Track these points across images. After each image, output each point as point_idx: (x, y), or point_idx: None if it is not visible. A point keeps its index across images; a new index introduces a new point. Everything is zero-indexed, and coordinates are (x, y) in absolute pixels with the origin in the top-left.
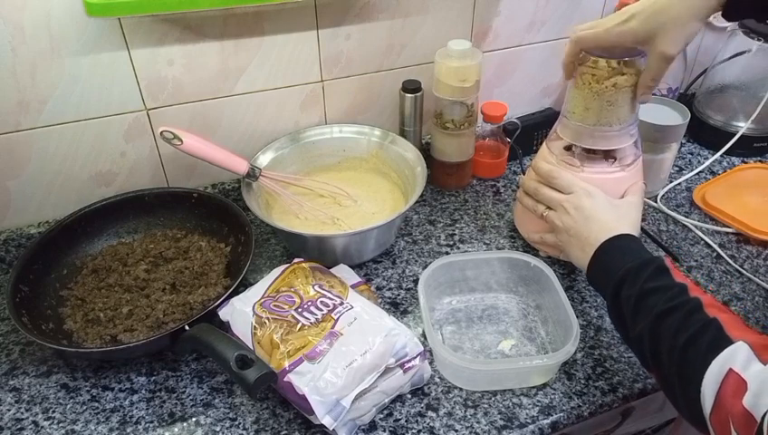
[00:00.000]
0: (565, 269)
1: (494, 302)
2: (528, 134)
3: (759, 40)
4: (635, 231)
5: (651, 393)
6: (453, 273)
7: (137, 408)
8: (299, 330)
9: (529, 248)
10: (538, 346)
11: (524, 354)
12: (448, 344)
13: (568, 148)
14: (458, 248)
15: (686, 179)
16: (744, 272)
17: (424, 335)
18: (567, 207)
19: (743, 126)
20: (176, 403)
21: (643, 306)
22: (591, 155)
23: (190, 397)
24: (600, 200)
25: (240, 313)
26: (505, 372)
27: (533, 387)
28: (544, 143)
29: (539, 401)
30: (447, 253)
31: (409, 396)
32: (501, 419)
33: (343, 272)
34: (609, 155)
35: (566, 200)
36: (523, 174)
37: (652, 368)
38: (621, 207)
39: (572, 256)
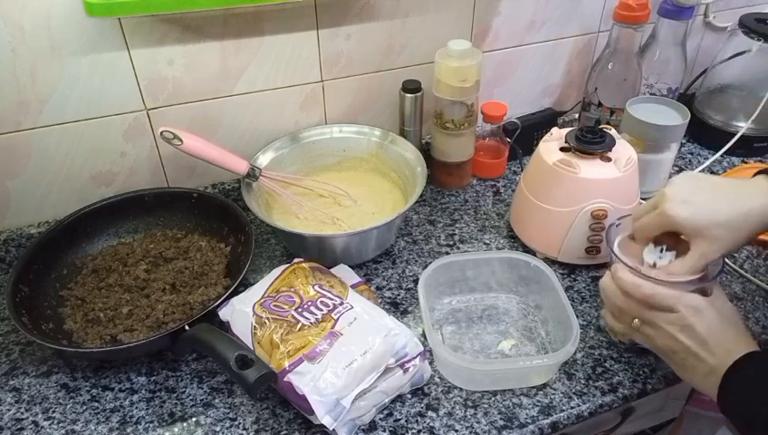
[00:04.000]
0: (565, 269)
1: (494, 302)
2: (528, 134)
3: (759, 40)
4: (752, 344)
5: (651, 393)
6: (453, 273)
7: (137, 408)
8: (299, 330)
9: (529, 248)
10: (538, 346)
11: (524, 354)
12: (448, 344)
13: (563, 149)
14: (458, 248)
15: None
16: (744, 272)
17: (424, 335)
18: (671, 330)
19: (743, 126)
20: (176, 403)
21: None
22: (587, 157)
23: (190, 397)
24: (711, 316)
25: (240, 313)
26: (505, 372)
27: (533, 387)
28: (540, 144)
29: (539, 401)
30: (447, 253)
31: (409, 396)
32: (501, 419)
33: (343, 272)
34: (603, 157)
35: (669, 323)
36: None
37: None
38: (732, 319)
39: (688, 379)
